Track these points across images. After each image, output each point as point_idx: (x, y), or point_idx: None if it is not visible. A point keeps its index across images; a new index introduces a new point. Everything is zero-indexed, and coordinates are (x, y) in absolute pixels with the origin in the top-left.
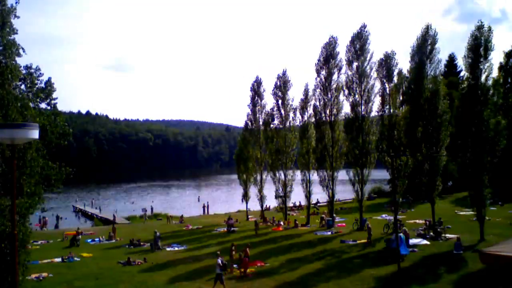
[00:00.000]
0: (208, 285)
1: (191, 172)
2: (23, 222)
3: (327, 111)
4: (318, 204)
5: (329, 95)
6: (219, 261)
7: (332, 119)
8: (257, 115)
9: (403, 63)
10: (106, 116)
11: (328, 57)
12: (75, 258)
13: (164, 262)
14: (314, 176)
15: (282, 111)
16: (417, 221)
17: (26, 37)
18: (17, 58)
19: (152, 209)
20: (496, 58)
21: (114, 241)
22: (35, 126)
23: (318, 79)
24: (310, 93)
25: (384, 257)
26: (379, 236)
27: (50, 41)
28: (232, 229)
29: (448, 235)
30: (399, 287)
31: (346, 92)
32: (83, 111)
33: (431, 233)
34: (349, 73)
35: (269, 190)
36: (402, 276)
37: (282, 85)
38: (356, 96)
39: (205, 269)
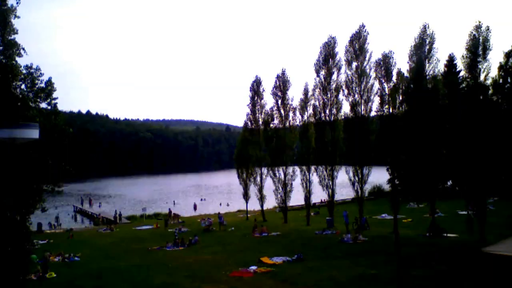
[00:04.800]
0: (207, 284)
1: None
2: (24, 222)
3: (327, 111)
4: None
5: (329, 95)
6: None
7: (332, 118)
8: (257, 115)
9: (403, 63)
10: (106, 116)
11: (327, 57)
12: (75, 258)
13: (164, 263)
14: (314, 176)
15: (282, 111)
16: None
17: None
18: (17, 58)
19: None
20: (496, 58)
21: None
22: (35, 126)
23: (318, 79)
24: (310, 92)
25: None
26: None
27: None
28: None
29: (450, 235)
30: None
31: (346, 92)
32: (83, 111)
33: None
34: (349, 73)
35: (269, 190)
36: None
37: (282, 85)
38: (356, 95)
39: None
